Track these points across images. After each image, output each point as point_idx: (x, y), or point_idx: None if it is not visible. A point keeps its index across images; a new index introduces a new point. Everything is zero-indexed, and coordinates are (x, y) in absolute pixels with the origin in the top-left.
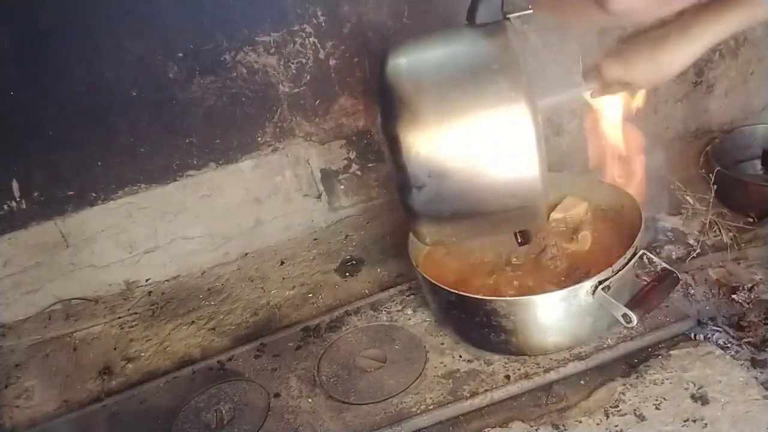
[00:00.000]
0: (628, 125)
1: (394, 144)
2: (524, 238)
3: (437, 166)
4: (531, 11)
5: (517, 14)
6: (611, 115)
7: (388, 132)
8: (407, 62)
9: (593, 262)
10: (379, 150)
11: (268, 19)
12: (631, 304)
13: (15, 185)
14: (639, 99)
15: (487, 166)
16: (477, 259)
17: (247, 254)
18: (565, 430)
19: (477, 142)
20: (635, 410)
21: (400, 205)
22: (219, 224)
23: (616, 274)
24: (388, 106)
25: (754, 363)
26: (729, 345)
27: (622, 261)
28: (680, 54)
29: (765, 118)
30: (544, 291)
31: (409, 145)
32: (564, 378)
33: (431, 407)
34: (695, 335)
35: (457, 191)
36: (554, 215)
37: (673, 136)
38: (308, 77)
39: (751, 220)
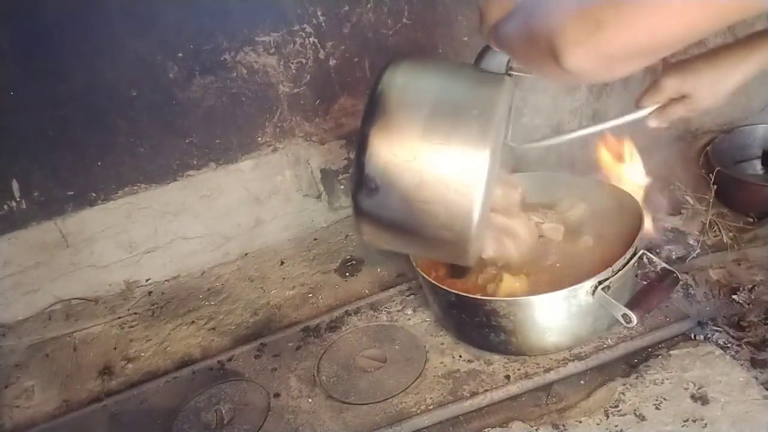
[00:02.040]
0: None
1: (362, 142)
2: (458, 271)
3: (391, 177)
4: (532, 75)
5: (519, 74)
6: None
7: (362, 130)
8: (403, 76)
9: (593, 262)
10: None
11: (268, 19)
12: (631, 304)
13: (15, 185)
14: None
15: (433, 195)
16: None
17: (247, 254)
18: (565, 430)
19: (432, 171)
20: (635, 410)
21: (351, 198)
22: (219, 224)
23: (616, 274)
24: (370, 107)
25: (754, 363)
26: (729, 345)
27: (622, 261)
28: (743, 65)
29: (765, 118)
30: (544, 291)
31: (374, 149)
32: (564, 378)
33: (431, 407)
34: (695, 335)
35: (401, 206)
36: (550, 223)
37: (673, 136)
38: (308, 77)
39: (751, 220)
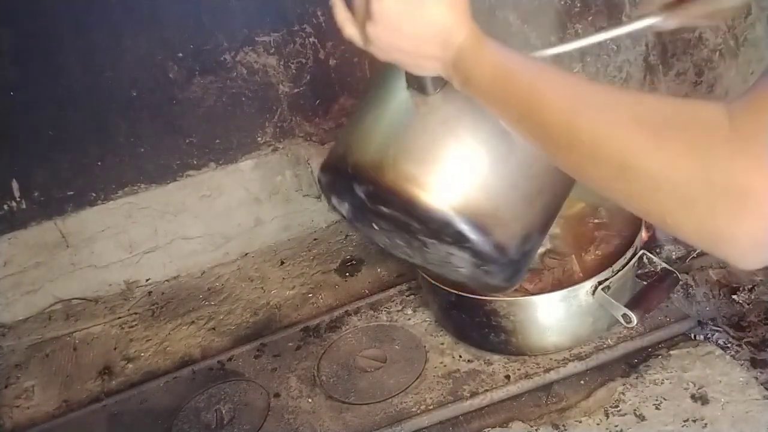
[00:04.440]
0: None
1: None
2: None
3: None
4: None
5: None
6: None
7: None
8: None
9: (593, 262)
10: None
11: (268, 19)
12: (631, 304)
13: (15, 185)
14: None
15: None
16: None
17: (247, 254)
18: (565, 430)
19: None
20: (635, 410)
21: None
22: (219, 224)
23: (616, 274)
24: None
25: (754, 363)
26: (729, 345)
27: (622, 261)
28: None
29: None
30: (544, 291)
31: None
32: (564, 378)
33: (431, 407)
34: (695, 335)
35: None
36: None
37: None
38: (308, 77)
39: None
